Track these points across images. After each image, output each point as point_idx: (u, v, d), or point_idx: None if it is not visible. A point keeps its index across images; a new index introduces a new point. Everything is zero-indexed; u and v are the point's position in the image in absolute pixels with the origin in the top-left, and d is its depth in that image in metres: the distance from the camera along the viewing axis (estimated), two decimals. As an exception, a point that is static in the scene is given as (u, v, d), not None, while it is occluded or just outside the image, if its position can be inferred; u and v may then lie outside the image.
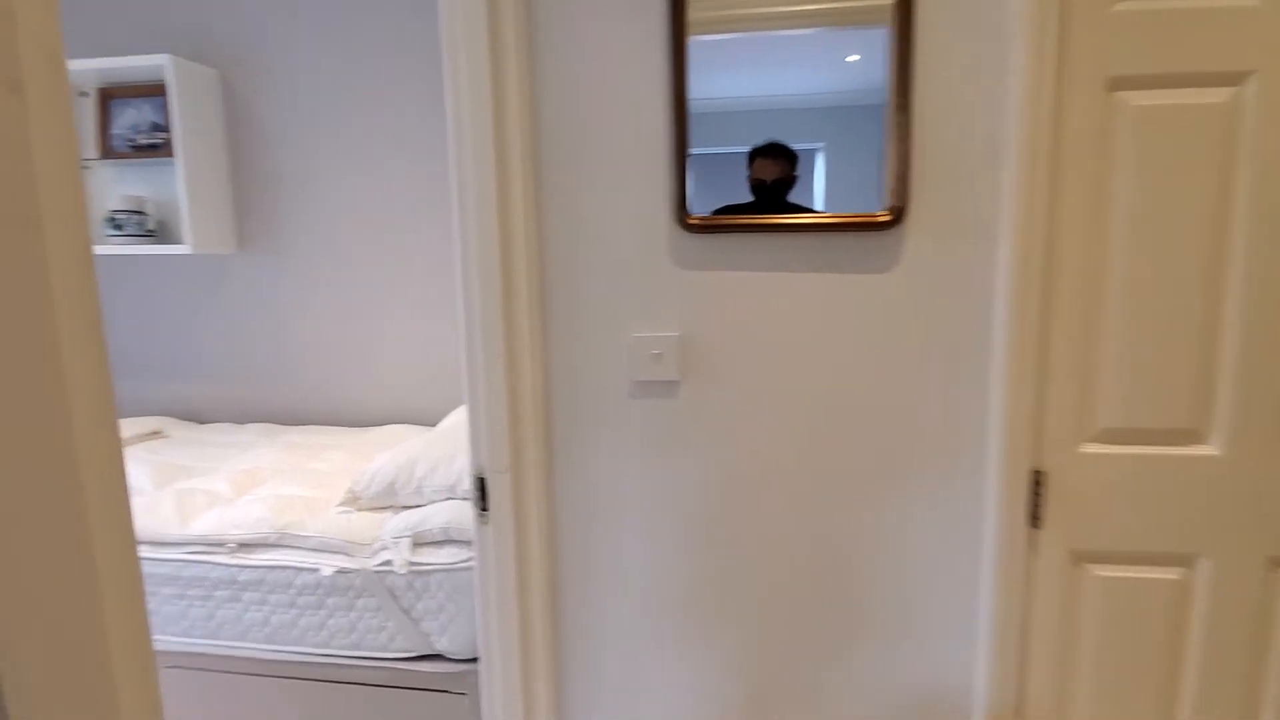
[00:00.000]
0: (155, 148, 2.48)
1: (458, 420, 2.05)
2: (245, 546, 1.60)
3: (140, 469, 2.01)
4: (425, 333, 2.48)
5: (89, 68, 2.35)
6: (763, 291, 1.10)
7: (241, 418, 2.69)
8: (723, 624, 1.20)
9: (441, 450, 1.70)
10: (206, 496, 1.81)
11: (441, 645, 1.52)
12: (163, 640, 1.63)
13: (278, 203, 2.54)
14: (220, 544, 1.61)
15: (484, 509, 1.14)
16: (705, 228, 1.08)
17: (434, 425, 2.42)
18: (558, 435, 1.17)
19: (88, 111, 2.58)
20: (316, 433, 2.41)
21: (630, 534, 1.18)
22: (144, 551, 1.65)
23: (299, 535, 1.57)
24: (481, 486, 1.13)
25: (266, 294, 2.61)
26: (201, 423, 2.72)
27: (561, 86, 1.09)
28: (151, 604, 1.64)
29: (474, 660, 1.48)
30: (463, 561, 1.51)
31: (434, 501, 1.61)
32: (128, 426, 2.50)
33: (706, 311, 1.12)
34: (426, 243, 2.43)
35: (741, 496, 1.16)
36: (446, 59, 1.06)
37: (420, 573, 1.51)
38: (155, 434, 2.45)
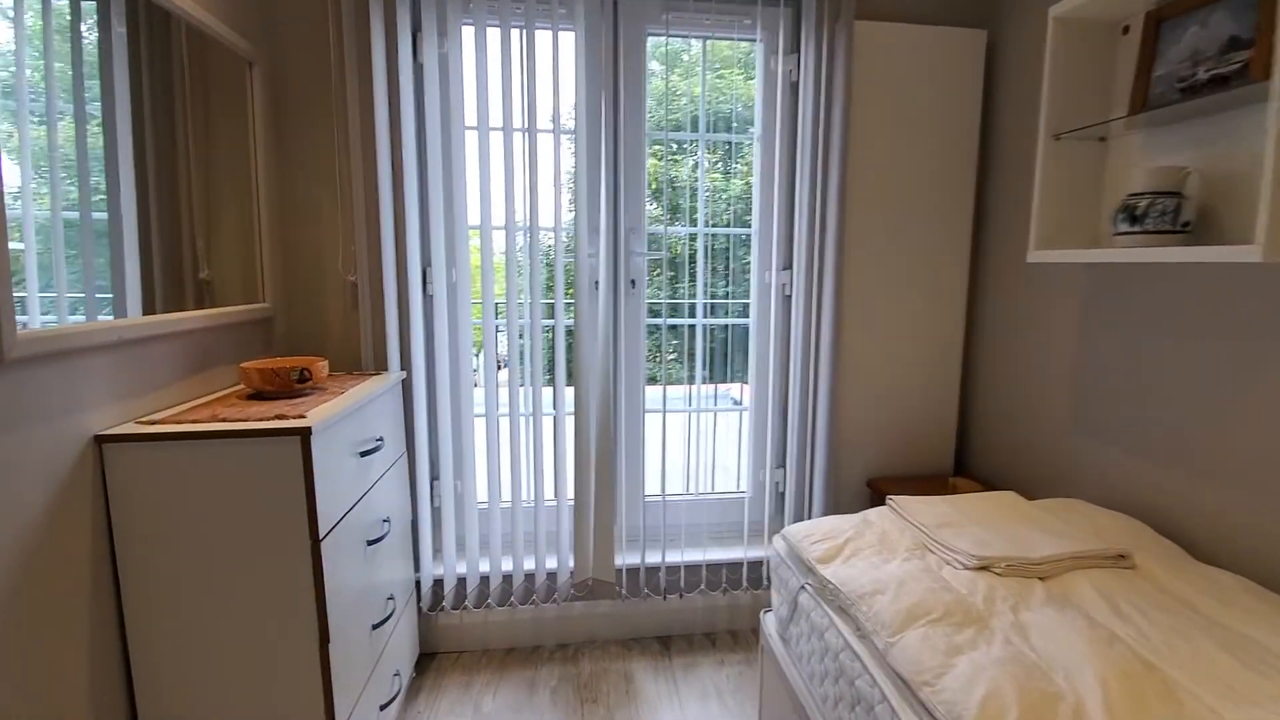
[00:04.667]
0: (1223, 82, 1.42)
1: None
2: None
3: (981, 673, 1.14)
4: None
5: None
6: None
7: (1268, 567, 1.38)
8: None
9: None
10: None
11: None
12: None
13: None
14: None
15: None
16: None
17: None
18: None
19: (1130, 55, 1.73)
20: None
21: None
22: None
23: None
24: None
25: None
26: (1194, 553, 1.57)
27: None
28: None
29: None
30: None
31: None
32: (1003, 520, 1.64)
33: None
34: None
35: None
36: None
37: None
38: (1119, 560, 1.50)
